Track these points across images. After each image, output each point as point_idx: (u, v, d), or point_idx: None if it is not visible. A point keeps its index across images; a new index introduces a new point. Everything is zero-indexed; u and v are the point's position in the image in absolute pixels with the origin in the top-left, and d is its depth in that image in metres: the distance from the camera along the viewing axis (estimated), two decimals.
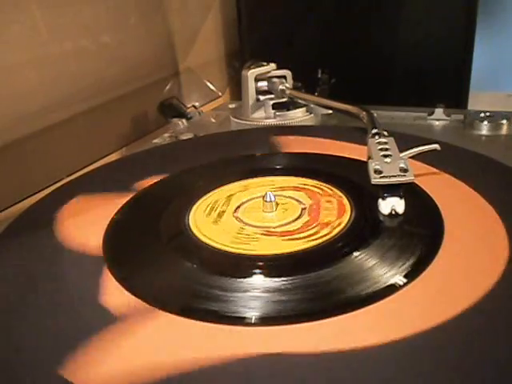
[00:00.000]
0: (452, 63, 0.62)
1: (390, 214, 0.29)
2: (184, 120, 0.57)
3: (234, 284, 0.25)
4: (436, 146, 0.31)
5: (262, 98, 0.52)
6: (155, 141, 0.52)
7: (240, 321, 0.22)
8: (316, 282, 0.24)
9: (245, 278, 0.25)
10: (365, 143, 0.35)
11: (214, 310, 0.23)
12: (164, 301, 0.24)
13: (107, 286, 0.25)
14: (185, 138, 0.51)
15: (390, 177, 0.29)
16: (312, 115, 0.51)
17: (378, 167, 0.30)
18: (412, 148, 0.31)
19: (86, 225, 0.32)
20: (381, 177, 0.29)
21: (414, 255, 0.25)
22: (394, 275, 0.24)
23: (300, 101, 0.51)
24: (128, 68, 0.58)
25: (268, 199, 0.31)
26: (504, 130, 0.47)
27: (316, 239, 0.28)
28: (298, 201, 0.32)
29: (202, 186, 0.36)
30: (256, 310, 0.23)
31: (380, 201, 0.29)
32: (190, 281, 0.26)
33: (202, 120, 0.59)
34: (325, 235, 0.28)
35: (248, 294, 0.24)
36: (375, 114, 0.41)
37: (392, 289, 0.23)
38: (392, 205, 0.29)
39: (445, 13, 0.61)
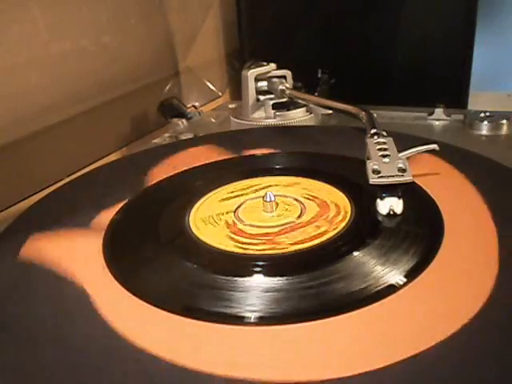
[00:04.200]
0: (452, 63, 0.62)
1: (389, 214, 0.29)
2: (184, 120, 0.57)
3: (233, 283, 0.25)
4: (435, 146, 0.31)
5: (262, 98, 0.52)
6: (155, 141, 0.53)
7: (239, 320, 0.22)
8: (316, 281, 0.24)
9: (244, 277, 0.25)
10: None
11: (214, 310, 0.23)
12: (164, 300, 0.24)
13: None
14: (185, 137, 0.51)
15: (388, 177, 0.29)
16: (312, 115, 0.51)
17: (376, 167, 0.30)
18: (411, 148, 0.31)
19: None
20: (379, 177, 0.29)
21: (414, 255, 0.26)
22: (393, 275, 0.24)
23: (300, 101, 0.51)
24: (128, 68, 0.58)
25: (268, 199, 0.31)
26: (504, 130, 0.47)
27: (244, 249, 0.27)
28: (299, 216, 0.31)
29: (203, 185, 0.36)
30: (255, 309, 0.23)
31: (378, 201, 0.29)
32: (190, 280, 0.26)
33: (202, 120, 0.59)
34: (257, 250, 0.27)
35: (247, 294, 0.24)
36: (375, 114, 0.41)
37: (392, 289, 0.23)
38: (390, 205, 0.29)
39: (445, 13, 0.61)
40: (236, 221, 0.31)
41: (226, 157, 0.41)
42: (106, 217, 0.32)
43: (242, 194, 0.34)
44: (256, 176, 0.36)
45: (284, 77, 0.52)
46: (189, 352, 0.21)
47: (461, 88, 0.62)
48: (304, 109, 0.51)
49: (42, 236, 0.31)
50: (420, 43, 0.64)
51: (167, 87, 0.66)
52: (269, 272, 0.26)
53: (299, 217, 0.30)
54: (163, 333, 0.22)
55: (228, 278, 0.25)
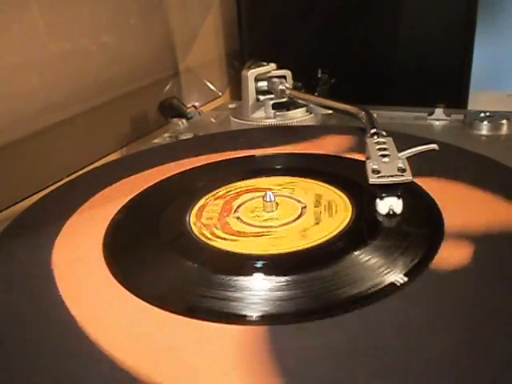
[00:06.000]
0: (452, 63, 0.62)
1: (388, 213, 0.29)
2: (184, 120, 0.57)
3: (234, 283, 0.25)
4: (434, 146, 0.31)
5: (262, 97, 0.52)
6: (155, 141, 0.53)
7: (240, 320, 0.22)
8: (316, 281, 0.24)
9: (245, 276, 0.25)
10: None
11: (215, 309, 0.23)
12: (164, 300, 0.24)
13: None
14: (185, 137, 0.51)
15: (388, 177, 0.29)
16: (312, 115, 0.51)
17: (375, 167, 0.30)
18: (410, 148, 0.31)
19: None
20: (378, 177, 0.29)
21: (414, 255, 0.25)
22: (393, 275, 0.24)
23: (300, 101, 0.51)
24: (128, 68, 0.58)
25: (268, 199, 0.31)
26: (504, 130, 0.47)
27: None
28: (299, 216, 0.31)
29: (203, 185, 0.36)
30: (256, 309, 0.23)
31: (378, 201, 0.29)
32: (190, 280, 0.26)
33: (202, 120, 0.59)
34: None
35: (248, 294, 0.24)
36: (375, 114, 0.41)
37: (392, 288, 0.23)
38: (390, 205, 0.29)
39: (445, 13, 0.61)
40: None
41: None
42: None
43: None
44: (256, 176, 0.36)
45: (284, 77, 0.52)
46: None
47: (461, 88, 0.62)
48: (304, 109, 0.51)
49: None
50: (420, 43, 0.64)
51: (167, 87, 0.66)
52: (269, 272, 0.26)
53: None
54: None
55: (228, 277, 0.25)
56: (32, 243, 0.30)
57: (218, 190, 0.35)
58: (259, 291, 0.24)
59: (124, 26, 0.57)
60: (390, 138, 0.34)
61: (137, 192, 0.36)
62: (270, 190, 0.33)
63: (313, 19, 0.67)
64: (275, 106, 0.51)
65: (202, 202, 0.34)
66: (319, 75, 0.58)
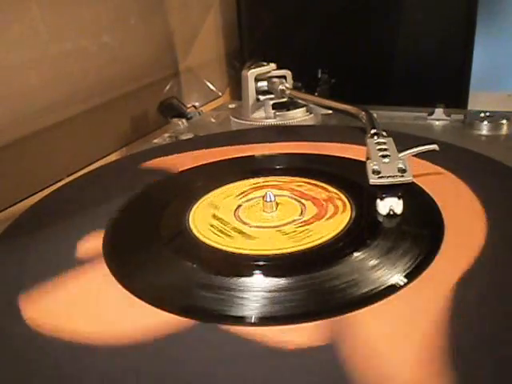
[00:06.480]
0: (452, 63, 0.62)
1: (388, 214, 0.29)
2: (184, 120, 0.57)
3: (234, 283, 0.25)
4: (435, 147, 0.31)
5: (262, 97, 0.52)
6: (155, 141, 0.53)
7: (239, 320, 0.22)
8: (316, 282, 0.24)
9: (244, 277, 0.25)
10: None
11: (214, 310, 0.23)
12: (164, 300, 0.24)
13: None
14: (185, 137, 0.51)
15: (388, 177, 0.29)
16: (312, 115, 0.51)
17: (376, 167, 0.30)
18: (411, 148, 0.31)
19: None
20: (379, 177, 0.29)
21: (414, 255, 0.26)
22: (394, 275, 0.24)
23: (300, 101, 0.51)
24: (128, 68, 0.58)
25: (268, 199, 0.31)
26: (504, 130, 0.47)
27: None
28: (299, 216, 0.31)
29: (203, 185, 0.36)
30: (256, 309, 0.23)
31: (378, 201, 0.29)
32: (190, 280, 0.26)
33: (202, 120, 0.59)
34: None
35: (247, 294, 0.24)
36: (375, 115, 0.41)
37: (392, 289, 0.23)
38: (390, 205, 0.29)
39: (445, 13, 0.61)
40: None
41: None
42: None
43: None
44: (256, 176, 0.36)
45: (284, 77, 0.52)
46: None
47: (461, 88, 0.62)
48: (304, 109, 0.51)
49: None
50: (420, 43, 0.64)
51: (167, 87, 0.66)
52: (269, 272, 0.26)
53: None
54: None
55: (228, 278, 0.25)
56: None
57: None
58: (258, 292, 0.24)
59: (124, 25, 0.57)
60: (391, 139, 0.34)
61: (136, 191, 0.36)
62: (270, 188, 0.33)
63: (313, 19, 0.67)
64: (275, 106, 0.51)
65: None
66: (319, 75, 0.58)
